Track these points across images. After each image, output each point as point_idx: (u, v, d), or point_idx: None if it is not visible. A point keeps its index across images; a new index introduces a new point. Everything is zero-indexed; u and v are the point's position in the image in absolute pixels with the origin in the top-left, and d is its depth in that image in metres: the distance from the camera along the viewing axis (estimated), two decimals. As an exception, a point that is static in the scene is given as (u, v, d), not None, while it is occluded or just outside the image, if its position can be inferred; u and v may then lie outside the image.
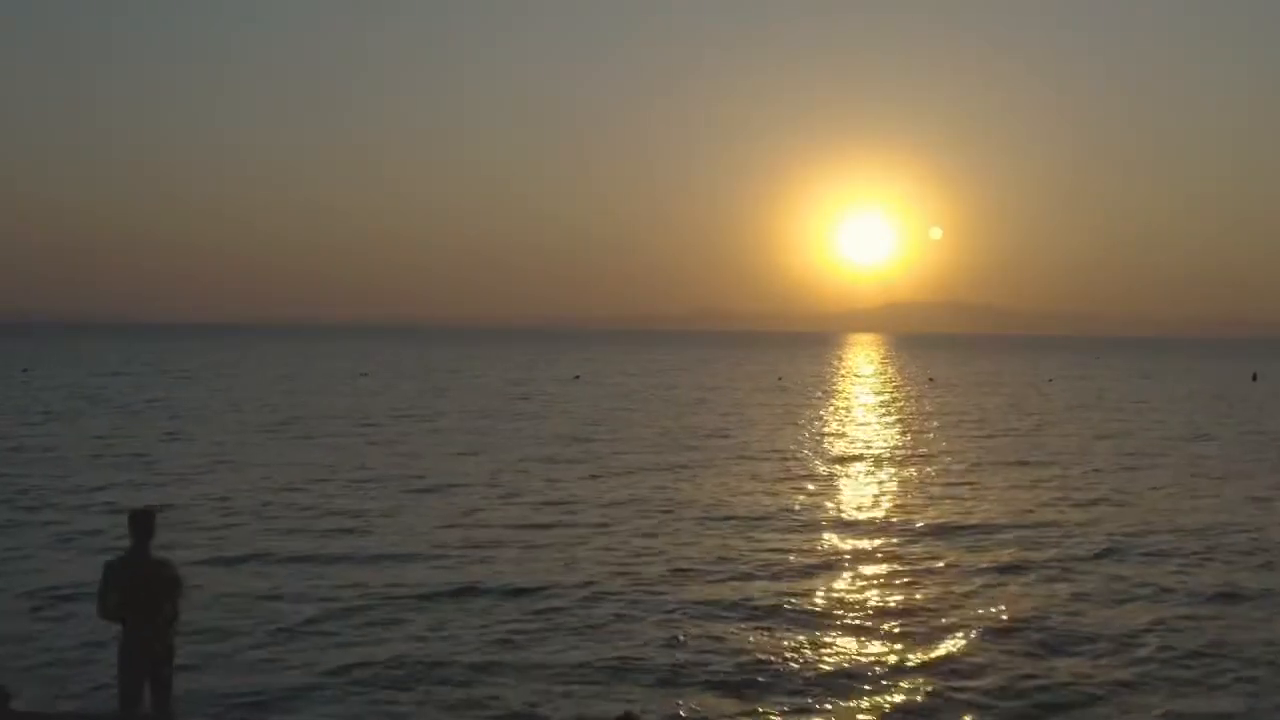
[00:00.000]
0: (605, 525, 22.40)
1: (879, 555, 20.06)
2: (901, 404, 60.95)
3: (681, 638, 14.47)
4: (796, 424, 46.92)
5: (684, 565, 18.72)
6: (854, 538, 21.69)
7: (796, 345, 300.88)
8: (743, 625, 15.15)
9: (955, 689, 12.75)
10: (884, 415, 53.09)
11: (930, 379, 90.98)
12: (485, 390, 67.88)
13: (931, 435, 42.46)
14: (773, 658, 13.73)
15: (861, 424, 47.86)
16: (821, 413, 54.01)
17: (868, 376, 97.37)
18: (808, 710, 12.09)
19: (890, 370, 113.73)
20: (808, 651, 14.05)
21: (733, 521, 22.99)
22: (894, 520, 23.51)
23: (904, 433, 43.61)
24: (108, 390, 62.83)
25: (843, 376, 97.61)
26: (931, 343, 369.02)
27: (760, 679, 12.97)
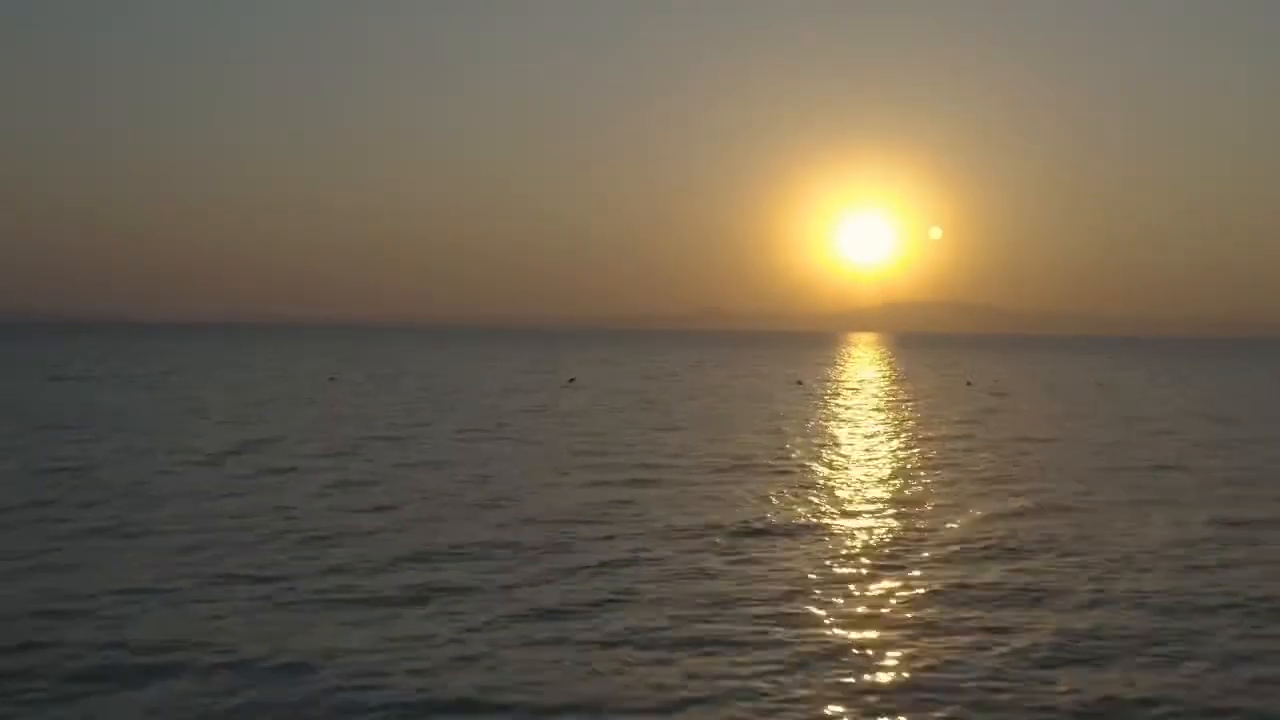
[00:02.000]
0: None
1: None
2: (997, 420, 51.65)
3: None
4: (878, 450, 36.46)
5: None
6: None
7: (800, 345, 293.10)
8: None
9: None
10: (1004, 442, 39.38)
11: (968, 383, 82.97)
12: (474, 398, 59.75)
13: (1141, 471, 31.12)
14: None
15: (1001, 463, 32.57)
16: (888, 432, 42.93)
17: (902, 380, 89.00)
18: None
19: (917, 372, 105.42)
20: None
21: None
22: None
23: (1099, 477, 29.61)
24: (37, 401, 54.72)
25: (875, 380, 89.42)
26: (936, 342, 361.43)
27: None
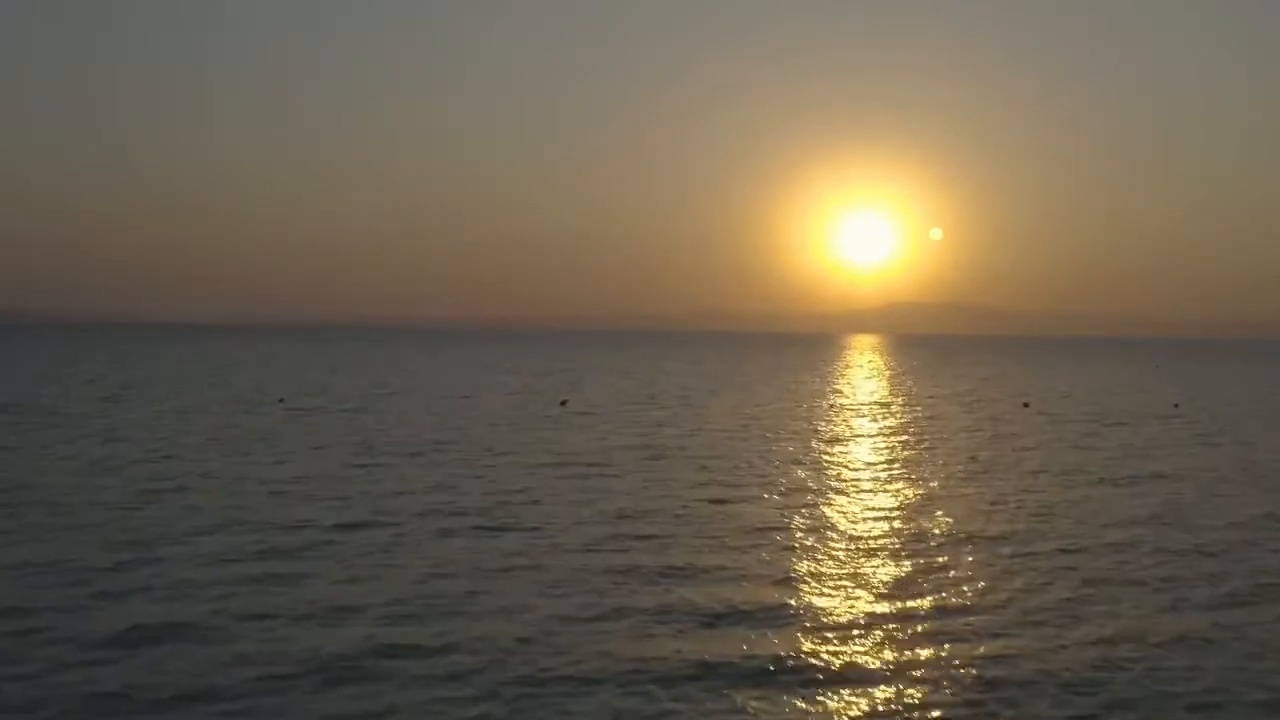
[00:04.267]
0: None
1: None
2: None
3: None
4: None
5: None
6: None
7: (807, 348, 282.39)
8: None
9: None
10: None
11: (1025, 404, 72.38)
12: (456, 435, 49.14)
13: None
14: None
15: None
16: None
17: (951, 397, 77.81)
18: None
19: (953, 386, 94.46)
20: None
21: None
22: None
23: None
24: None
25: (924, 400, 78.66)
26: (943, 347, 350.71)
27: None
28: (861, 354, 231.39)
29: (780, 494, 31.27)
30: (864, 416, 61.35)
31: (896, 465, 38.61)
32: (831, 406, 69.37)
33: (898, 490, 32.47)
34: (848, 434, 50.18)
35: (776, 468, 37.18)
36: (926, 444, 46.03)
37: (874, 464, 38.92)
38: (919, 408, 69.08)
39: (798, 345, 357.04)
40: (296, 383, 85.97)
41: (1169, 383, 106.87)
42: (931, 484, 33.72)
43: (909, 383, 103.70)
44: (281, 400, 65.28)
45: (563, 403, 66.49)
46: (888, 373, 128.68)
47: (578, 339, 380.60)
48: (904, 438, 48.75)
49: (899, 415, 62.37)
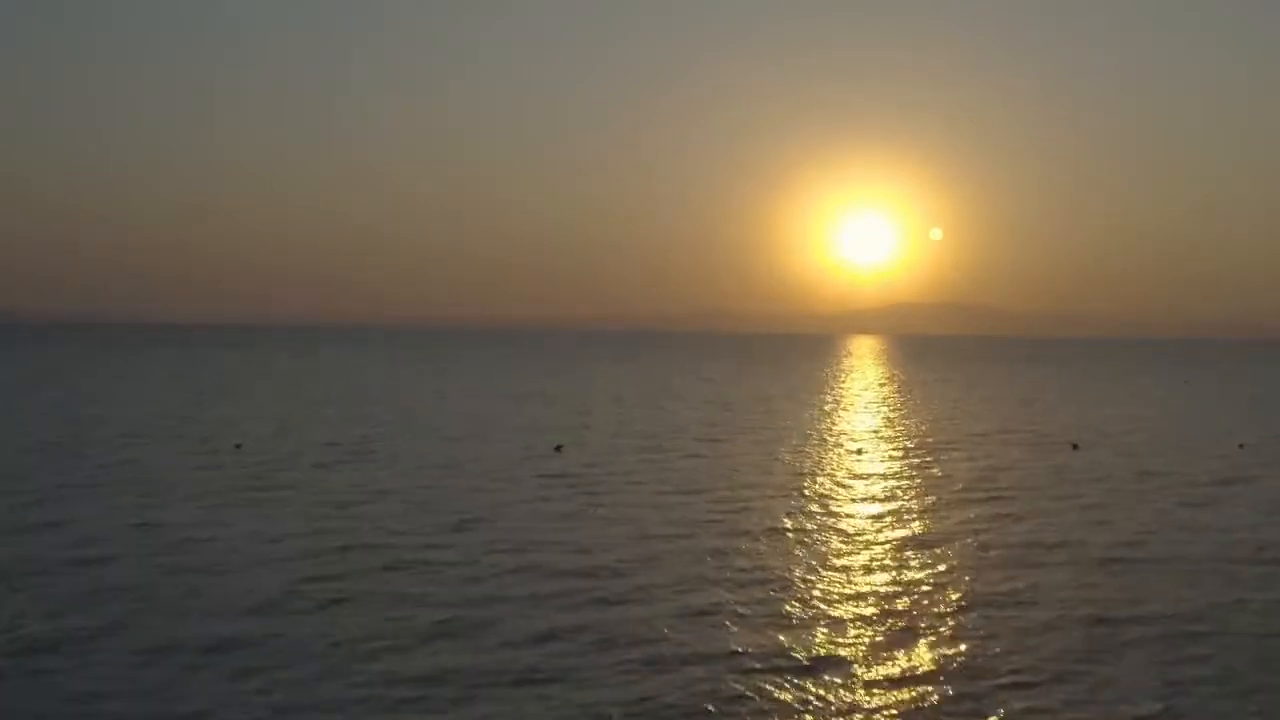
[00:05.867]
0: None
1: None
2: None
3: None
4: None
5: None
6: None
7: (811, 355, 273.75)
8: None
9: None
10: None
11: (1074, 445, 63.43)
12: (428, 518, 39.90)
13: None
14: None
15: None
16: None
17: (1009, 436, 67.86)
18: None
19: (1006, 418, 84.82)
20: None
21: None
22: None
23: None
24: None
25: (978, 435, 69.25)
26: (947, 350, 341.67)
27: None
28: (872, 364, 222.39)
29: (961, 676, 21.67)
30: (940, 480, 51.85)
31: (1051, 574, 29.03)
32: (890, 461, 60.00)
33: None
34: (949, 521, 40.63)
35: (896, 608, 27.63)
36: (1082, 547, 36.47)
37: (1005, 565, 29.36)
38: (991, 461, 59.45)
39: (802, 349, 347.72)
40: (267, 415, 76.84)
41: (1209, 399, 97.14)
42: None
43: (951, 414, 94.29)
44: (238, 446, 56.47)
45: (558, 448, 57.63)
46: (911, 395, 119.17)
47: (577, 340, 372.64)
48: (1028, 527, 39.22)
49: (987, 481, 52.86)
